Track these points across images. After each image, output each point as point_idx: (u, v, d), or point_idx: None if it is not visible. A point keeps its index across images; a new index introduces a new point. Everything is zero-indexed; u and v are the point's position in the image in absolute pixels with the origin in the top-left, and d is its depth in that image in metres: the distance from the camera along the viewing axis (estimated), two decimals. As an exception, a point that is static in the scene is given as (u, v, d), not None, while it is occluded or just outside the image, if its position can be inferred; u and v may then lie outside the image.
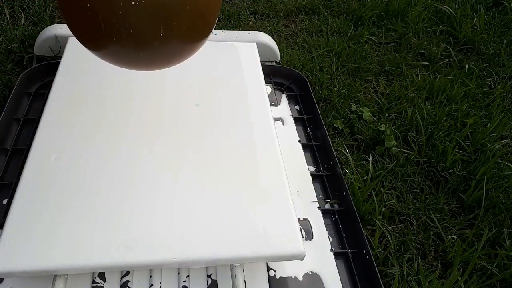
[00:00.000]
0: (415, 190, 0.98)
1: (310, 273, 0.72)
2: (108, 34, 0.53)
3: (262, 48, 1.06)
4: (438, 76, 1.31)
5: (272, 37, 1.14)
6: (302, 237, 0.67)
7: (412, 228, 0.89)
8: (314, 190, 0.86)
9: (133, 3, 0.50)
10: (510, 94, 1.29)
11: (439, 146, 1.06)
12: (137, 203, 0.66)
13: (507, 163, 1.04)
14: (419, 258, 0.84)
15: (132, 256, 0.60)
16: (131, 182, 0.69)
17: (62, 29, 1.01)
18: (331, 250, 0.76)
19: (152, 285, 0.66)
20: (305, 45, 1.34)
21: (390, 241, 0.85)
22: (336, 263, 0.75)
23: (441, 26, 1.52)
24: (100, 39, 0.54)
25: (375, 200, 0.89)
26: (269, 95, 1.00)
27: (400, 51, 1.39)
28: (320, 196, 0.86)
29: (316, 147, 0.95)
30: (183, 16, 0.54)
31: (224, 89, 0.88)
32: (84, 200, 0.65)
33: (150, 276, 0.67)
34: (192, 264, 0.63)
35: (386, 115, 1.14)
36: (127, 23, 0.51)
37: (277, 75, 1.10)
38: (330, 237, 0.79)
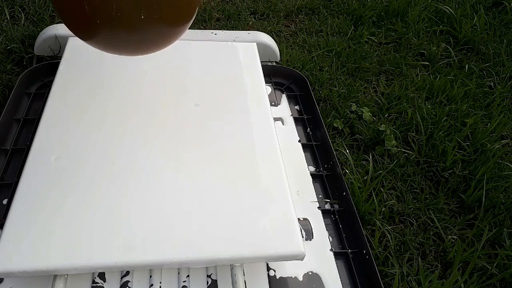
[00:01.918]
0: (415, 190, 0.98)
1: (310, 273, 0.72)
2: (93, 17, 0.57)
3: (262, 48, 1.06)
4: (438, 76, 1.31)
5: (272, 37, 1.14)
6: (302, 237, 0.67)
7: (412, 228, 0.89)
8: (314, 190, 0.86)
9: None
10: (510, 94, 1.29)
11: (439, 146, 1.06)
12: (137, 203, 0.66)
13: (507, 163, 1.04)
14: (419, 258, 0.84)
15: (132, 256, 0.60)
16: (131, 182, 0.69)
17: (62, 29, 1.01)
18: (331, 250, 0.76)
19: (152, 285, 0.66)
20: (305, 45, 1.34)
21: (390, 241, 0.85)
22: (336, 263, 0.75)
23: (441, 26, 1.52)
24: (86, 23, 0.59)
25: (375, 200, 0.89)
26: (269, 95, 1.00)
27: (400, 51, 1.39)
28: (320, 196, 0.86)
29: (316, 147, 0.95)
30: None
31: (224, 89, 0.88)
32: (84, 200, 0.65)
33: (150, 276, 0.67)
34: (192, 264, 0.63)
35: (386, 115, 1.14)
36: (109, 6, 0.56)
37: (277, 75, 1.10)
38: (330, 237, 0.79)
